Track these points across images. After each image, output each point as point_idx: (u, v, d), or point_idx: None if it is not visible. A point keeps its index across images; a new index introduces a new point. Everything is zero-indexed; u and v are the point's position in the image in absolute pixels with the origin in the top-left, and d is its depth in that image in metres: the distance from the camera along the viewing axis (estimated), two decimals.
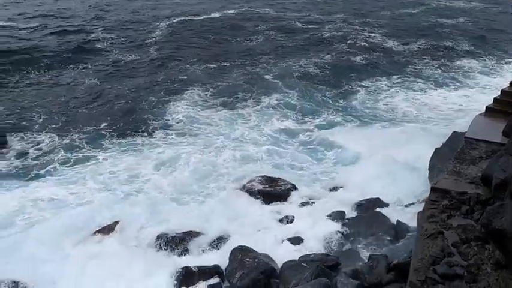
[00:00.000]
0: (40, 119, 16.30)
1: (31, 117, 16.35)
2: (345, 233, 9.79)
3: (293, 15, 35.31)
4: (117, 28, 28.66)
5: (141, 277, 8.61)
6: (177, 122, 16.44)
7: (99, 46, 24.82)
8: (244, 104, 18.26)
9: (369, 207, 10.72)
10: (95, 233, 10.08)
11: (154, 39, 26.88)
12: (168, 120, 16.64)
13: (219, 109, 17.69)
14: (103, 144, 14.64)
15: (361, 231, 9.73)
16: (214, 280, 8.40)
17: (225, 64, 23.34)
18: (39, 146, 14.41)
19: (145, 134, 15.48)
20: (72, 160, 13.67)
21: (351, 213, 10.76)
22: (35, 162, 13.53)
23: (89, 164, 13.42)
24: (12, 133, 15.03)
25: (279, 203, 11.28)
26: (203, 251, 9.44)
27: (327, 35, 29.41)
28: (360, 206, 10.91)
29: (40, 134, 15.17)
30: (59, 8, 34.22)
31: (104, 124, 15.99)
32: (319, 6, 38.87)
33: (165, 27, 29.42)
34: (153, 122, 16.41)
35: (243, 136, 15.42)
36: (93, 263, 9.10)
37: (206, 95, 19.10)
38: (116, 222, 10.26)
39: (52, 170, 13.13)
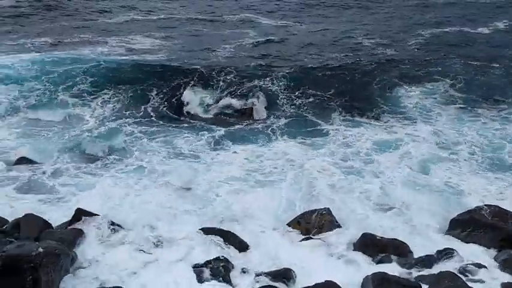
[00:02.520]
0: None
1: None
2: None
3: None
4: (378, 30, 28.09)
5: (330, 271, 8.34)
6: (406, 110, 16.14)
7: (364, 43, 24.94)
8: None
9: None
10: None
11: (420, 40, 25.62)
12: (398, 106, 16.45)
13: (457, 104, 16.56)
14: (330, 118, 15.49)
15: None
16: None
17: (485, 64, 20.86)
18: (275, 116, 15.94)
19: (371, 114, 15.79)
20: (300, 127, 15.01)
21: None
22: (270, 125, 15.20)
23: (320, 133, 14.64)
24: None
25: (506, 243, 9.40)
26: (405, 264, 8.59)
27: None
28: None
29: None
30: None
31: (335, 99, 16.81)
32: None
33: (428, 34, 27.17)
34: (382, 105, 16.41)
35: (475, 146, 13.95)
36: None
37: (450, 87, 17.82)
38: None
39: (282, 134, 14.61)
